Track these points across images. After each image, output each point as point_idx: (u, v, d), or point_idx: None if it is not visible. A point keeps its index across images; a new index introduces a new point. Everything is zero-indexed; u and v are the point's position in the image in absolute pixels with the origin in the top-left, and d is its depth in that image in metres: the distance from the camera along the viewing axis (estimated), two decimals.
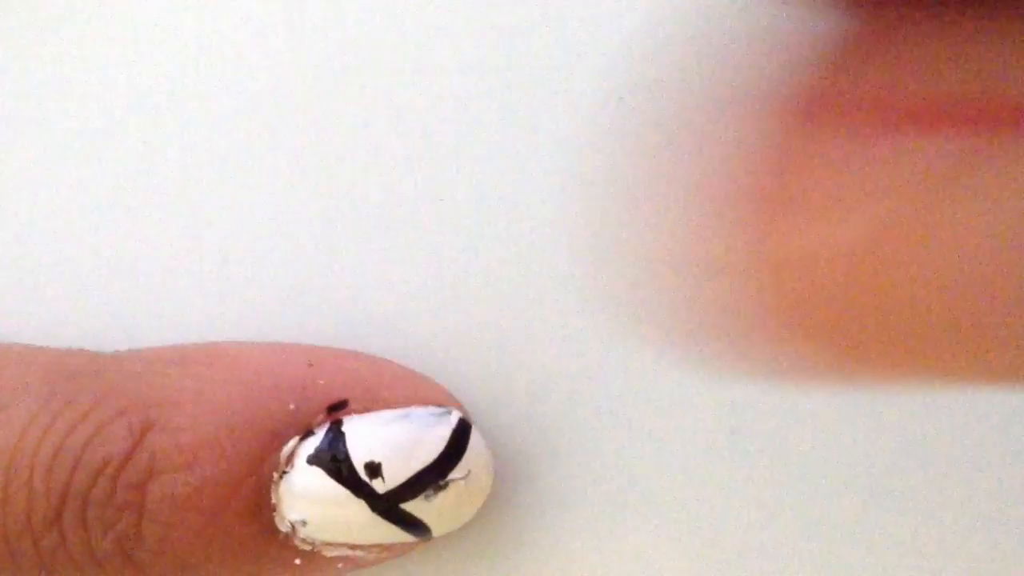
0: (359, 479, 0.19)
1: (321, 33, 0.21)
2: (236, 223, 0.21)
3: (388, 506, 0.19)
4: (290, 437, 0.19)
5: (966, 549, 0.21)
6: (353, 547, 0.20)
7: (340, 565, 0.20)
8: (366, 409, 0.19)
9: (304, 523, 0.19)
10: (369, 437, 0.19)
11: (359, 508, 0.19)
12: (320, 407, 0.19)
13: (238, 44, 0.21)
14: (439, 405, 0.20)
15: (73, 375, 0.19)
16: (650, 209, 0.20)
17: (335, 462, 0.19)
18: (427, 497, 0.19)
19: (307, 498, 0.19)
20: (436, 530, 0.20)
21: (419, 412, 0.19)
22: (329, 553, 0.20)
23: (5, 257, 0.21)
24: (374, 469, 0.19)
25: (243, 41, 0.21)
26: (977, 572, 0.21)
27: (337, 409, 0.19)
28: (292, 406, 0.19)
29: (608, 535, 0.21)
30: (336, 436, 0.19)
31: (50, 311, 0.21)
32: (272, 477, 0.19)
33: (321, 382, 0.19)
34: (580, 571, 0.21)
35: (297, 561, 0.20)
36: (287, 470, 0.19)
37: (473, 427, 0.20)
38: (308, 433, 0.19)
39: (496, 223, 0.21)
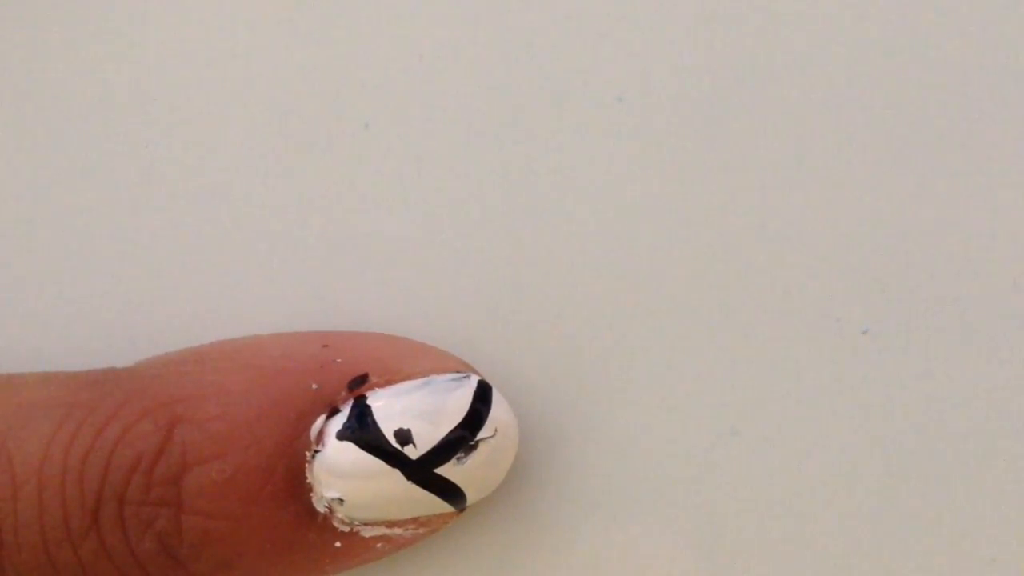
0: (391, 448, 0.19)
1: (331, 31, 0.21)
2: (235, 224, 0.21)
3: (422, 472, 0.19)
4: (316, 416, 0.19)
5: (967, 549, 0.21)
6: (391, 524, 0.20)
7: (379, 545, 0.20)
8: (387, 382, 0.19)
9: (341, 501, 0.19)
10: (394, 406, 0.19)
11: (394, 478, 0.19)
12: (341, 384, 0.19)
13: (256, 34, 0.21)
14: (457, 371, 0.20)
15: (92, 385, 0.19)
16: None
17: (365, 434, 0.19)
18: (459, 460, 0.19)
19: (342, 474, 0.19)
20: (470, 495, 0.20)
21: (439, 379, 0.20)
22: (367, 533, 0.20)
23: (9, 274, 0.21)
24: (404, 436, 0.19)
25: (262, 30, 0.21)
26: (978, 572, 0.21)
27: (359, 384, 0.19)
28: (314, 386, 0.19)
29: (608, 536, 0.21)
30: (362, 410, 0.19)
31: (58, 328, 0.21)
32: (304, 457, 0.19)
33: (339, 360, 0.20)
34: (580, 570, 0.21)
35: (337, 544, 0.19)
36: (318, 449, 0.19)
37: (493, 388, 0.20)
38: (334, 411, 0.19)
39: (496, 220, 0.21)
